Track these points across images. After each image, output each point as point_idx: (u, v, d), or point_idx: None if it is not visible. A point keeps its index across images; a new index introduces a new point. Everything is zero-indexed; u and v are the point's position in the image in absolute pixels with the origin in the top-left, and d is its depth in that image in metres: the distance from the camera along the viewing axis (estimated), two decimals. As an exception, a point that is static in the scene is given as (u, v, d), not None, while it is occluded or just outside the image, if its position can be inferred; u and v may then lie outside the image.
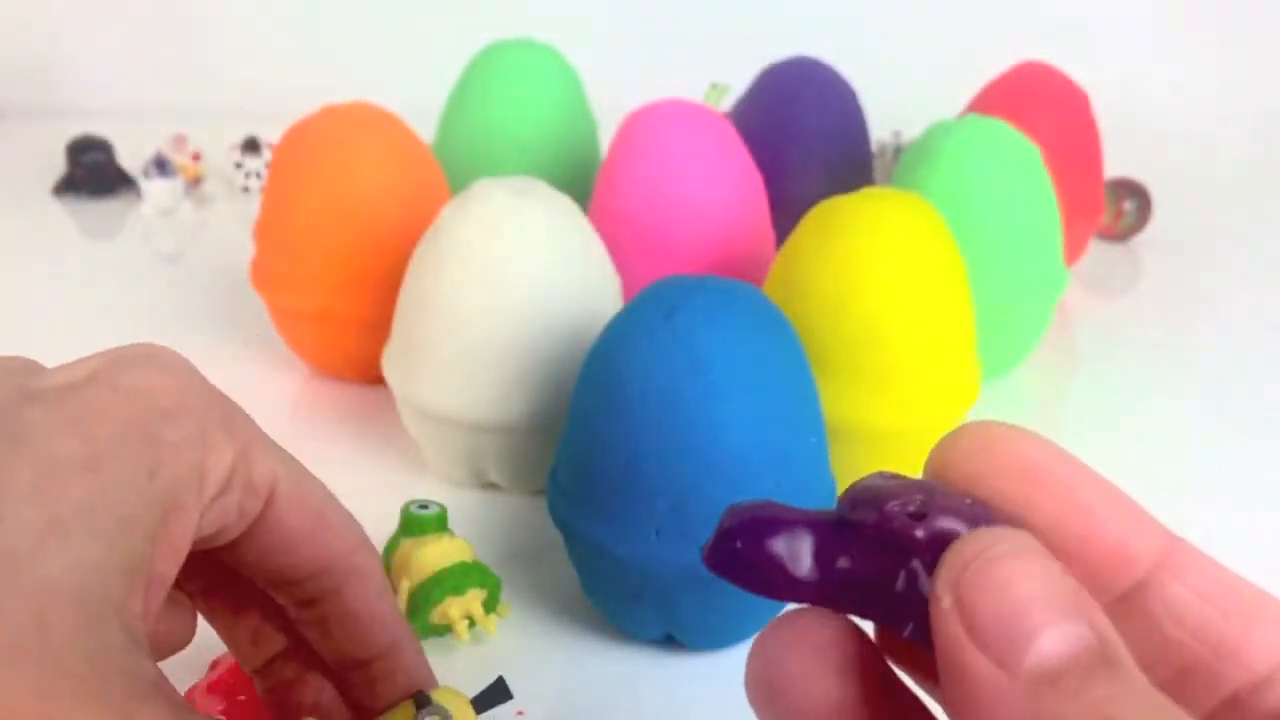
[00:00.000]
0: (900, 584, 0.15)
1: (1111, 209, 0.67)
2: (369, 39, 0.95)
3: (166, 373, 0.20)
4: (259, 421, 0.25)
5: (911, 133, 0.64)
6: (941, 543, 0.14)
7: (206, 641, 0.32)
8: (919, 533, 0.15)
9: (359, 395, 0.48)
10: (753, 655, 0.16)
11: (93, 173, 0.72)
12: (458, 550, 0.33)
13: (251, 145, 0.73)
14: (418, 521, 0.33)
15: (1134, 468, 0.44)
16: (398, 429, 0.43)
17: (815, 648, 0.16)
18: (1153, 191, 0.68)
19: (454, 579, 0.32)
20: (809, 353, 0.33)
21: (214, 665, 0.32)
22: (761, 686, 0.16)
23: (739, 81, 0.60)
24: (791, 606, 0.16)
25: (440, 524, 0.34)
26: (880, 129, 0.64)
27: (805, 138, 0.55)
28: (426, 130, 0.52)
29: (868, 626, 0.16)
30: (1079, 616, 0.13)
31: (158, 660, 0.18)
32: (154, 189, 0.69)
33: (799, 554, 0.15)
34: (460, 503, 0.39)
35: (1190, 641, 0.15)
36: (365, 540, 0.24)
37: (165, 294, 0.57)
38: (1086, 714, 0.13)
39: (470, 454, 0.39)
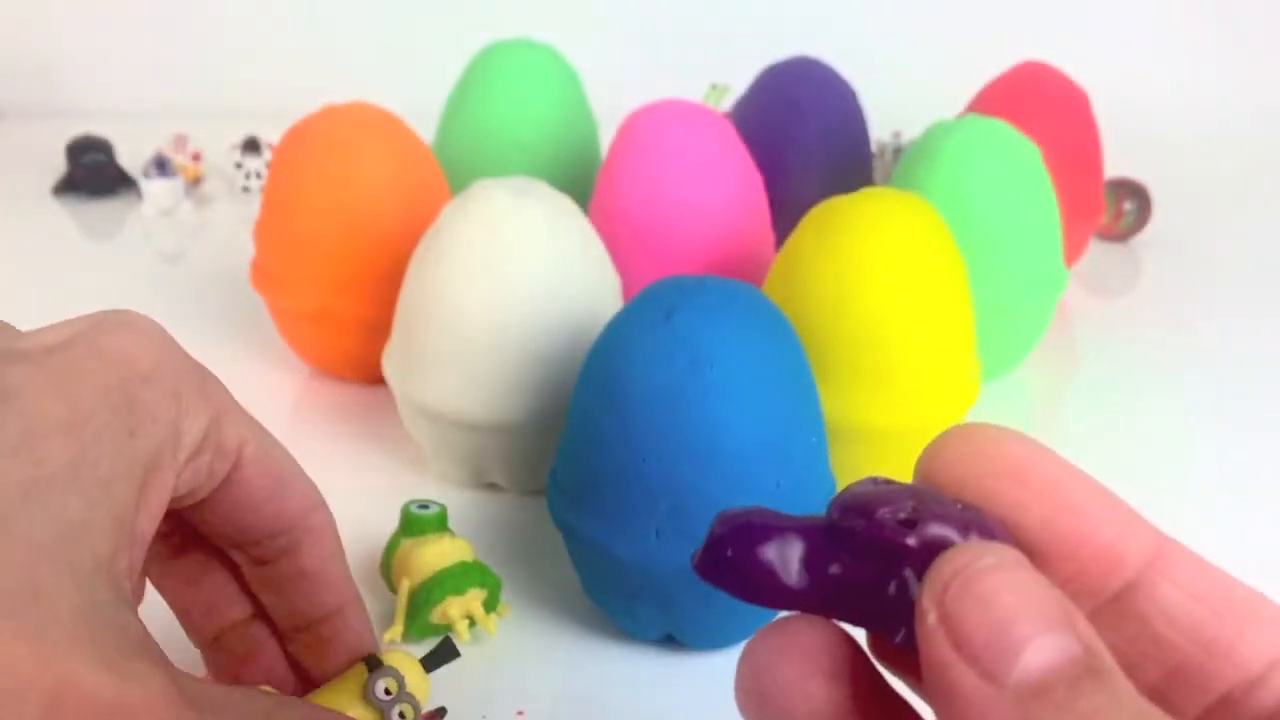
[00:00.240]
0: (892, 591, 0.15)
1: (1111, 209, 0.67)
2: (369, 39, 0.95)
3: (144, 337, 0.21)
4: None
5: (911, 133, 0.64)
6: (933, 550, 0.14)
7: (207, 641, 0.33)
8: (910, 540, 0.15)
9: (359, 395, 0.48)
10: (742, 662, 0.16)
11: (93, 173, 0.72)
12: (458, 550, 0.33)
13: (251, 145, 0.73)
14: (418, 521, 0.33)
15: (1133, 467, 0.44)
16: (398, 429, 0.43)
17: (805, 654, 0.16)
18: (1152, 192, 0.68)
19: (454, 579, 0.32)
20: (809, 353, 0.33)
21: (214, 665, 0.32)
22: (752, 693, 0.16)
23: (739, 82, 0.60)
24: (782, 613, 0.16)
25: (440, 524, 0.34)
26: (880, 129, 0.64)
27: (805, 138, 0.55)
28: (426, 130, 0.52)
29: (858, 633, 0.16)
30: (1065, 628, 0.13)
31: None
32: (154, 189, 0.69)
33: (790, 561, 0.15)
34: (460, 503, 0.40)
35: (1182, 641, 0.16)
36: (322, 502, 0.25)
37: (165, 294, 0.57)
38: None
39: (470, 454, 0.39)
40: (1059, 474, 0.16)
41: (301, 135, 0.46)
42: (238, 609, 0.26)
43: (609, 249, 0.41)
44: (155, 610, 0.24)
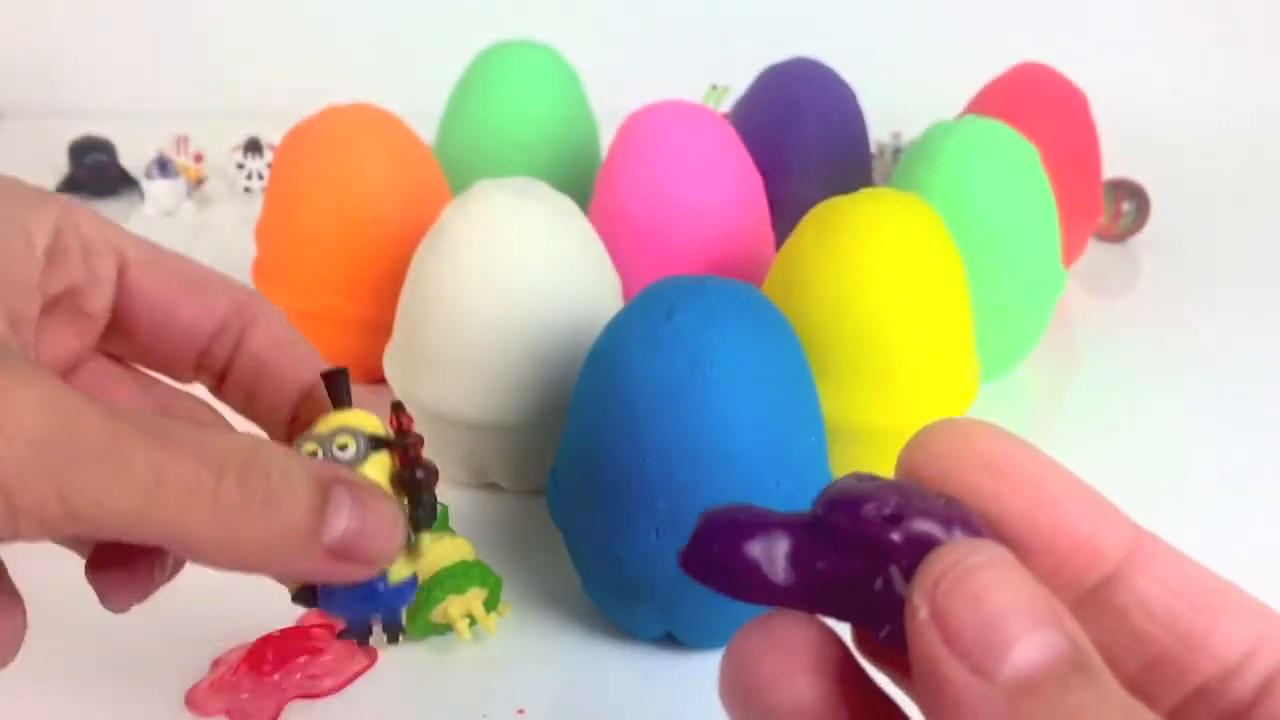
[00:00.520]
0: (877, 586, 0.15)
1: (1110, 210, 0.67)
2: (370, 40, 0.95)
3: None
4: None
5: (911, 133, 0.64)
6: (917, 545, 0.15)
7: (208, 641, 0.33)
8: (895, 536, 0.15)
9: (360, 395, 0.48)
10: (726, 657, 0.16)
11: (95, 173, 0.72)
12: (459, 549, 0.33)
13: (253, 146, 0.73)
14: (419, 521, 0.33)
15: (1132, 467, 0.44)
16: (399, 429, 0.43)
17: (789, 649, 0.16)
18: (1151, 192, 0.69)
19: (455, 578, 0.32)
20: (809, 353, 0.33)
21: (215, 664, 0.32)
22: (736, 689, 0.16)
23: (739, 82, 0.60)
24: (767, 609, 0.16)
25: (441, 523, 0.34)
26: (880, 129, 0.64)
27: (805, 138, 0.55)
28: (427, 131, 0.52)
29: (841, 628, 0.16)
30: (1053, 624, 0.14)
31: None
32: (156, 190, 0.69)
33: (775, 557, 0.15)
34: (461, 502, 0.40)
35: (1159, 634, 0.16)
36: (255, 294, 0.26)
37: (167, 294, 0.57)
38: None
39: (471, 453, 0.40)
40: (1038, 468, 0.16)
41: (303, 136, 0.46)
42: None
43: (609, 249, 0.41)
44: (148, 621, 0.24)
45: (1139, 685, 0.16)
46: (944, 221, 0.39)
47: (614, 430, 0.30)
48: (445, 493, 0.40)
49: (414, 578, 0.23)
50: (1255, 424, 0.48)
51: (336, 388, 0.23)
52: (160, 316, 0.24)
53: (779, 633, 0.16)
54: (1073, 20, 0.97)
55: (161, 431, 0.18)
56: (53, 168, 0.74)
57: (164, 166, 0.69)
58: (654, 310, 0.31)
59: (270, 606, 0.27)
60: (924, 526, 0.15)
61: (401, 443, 0.23)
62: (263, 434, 0.25)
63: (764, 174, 0.48)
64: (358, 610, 0.22)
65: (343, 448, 0.22)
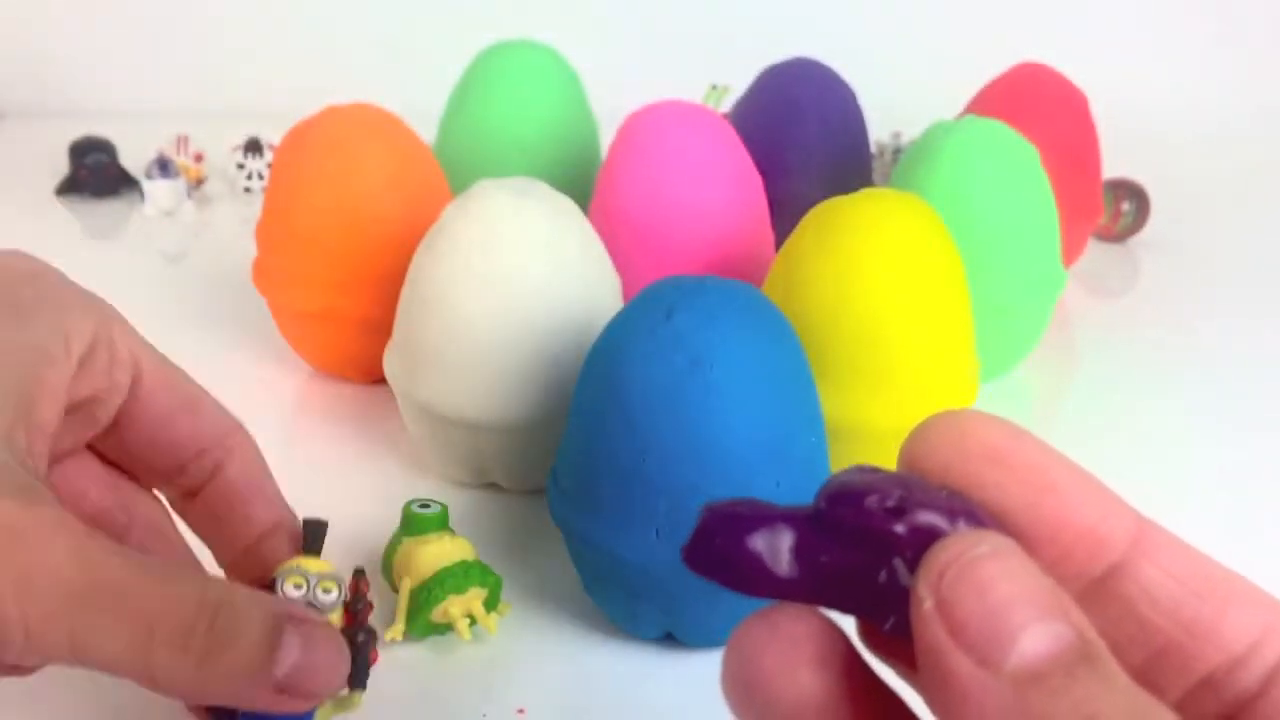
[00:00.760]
0: (881, 579, 0.15)
1: (1109, 210, 0.68)
2: (370, 40, 0.95)
3: (27, 258, 0.23)
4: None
5: (911, 133, 0.64)
6: (921, 537, 0.15)
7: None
8: (898, 528, 0.15)
9: (360, 395, 0.48)
10: (729, 651, 0.16)
11: (95, 173, 0.72)
12: (459, 549, 0.33)
13: (253, 146, 0.73)
14: (419, 520, 0.33)
15: (1132, 467, 0.44)
16: (399, 428, 0.43)
17: (791, 643, 0.16)
18: (1151, 192, 0.69)
19: (455, 578, 0.32)
20: (809, 353, 0.33)
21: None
22: (738, 684, 0.16)
23: (739, 82, 0.60)
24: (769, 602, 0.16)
25: (441, 523, 0.34)
26: (880, 129, 0.64)
27: (805, 138, 0.55)
28: (427, 131, 0.52)
29: (845, 621, 0.16)
30: (1059, 615, 0.14)
31: None
32: (156, 190, 0.69)
33: (778, 551, 0.15)
34: (461, 502, 0.40)
35: (1165, 623, 0.16)
36: (240, 426, 0.27)
37: (167, 294, 0.57)
38: (1071, 712, 0.13)
39: (471, 453, 0.40)
40: (1040, 458, 0.16)
41: (303, 136, 0.46)
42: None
43: (609, 249, 0.41)
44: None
45: (1145, 675, 0.16)
46: (944, 221, 0.39)
47: (614, 430, 0.30)
48: (445, 493, 0.40)
49: None
50: (1255, 424, 0.48)
51: (315, 536, 0.25)
52: (157, 429, 0.25)
53: (781, 626, 0.16)
54: (1073, 20, 0.97)
55: (155, 576, 0.20)
56: (53, 168, 0.74)
57: (164, 166, 0.69)
58: (654, 310, 0.31)
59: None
60: (928, 518, 0.15)
61: (354, 606, 0.25)
62: (208, 551, 0.27)
63: (764, 174, 0.48)
64: None
65: (327, 591, 0.24)
